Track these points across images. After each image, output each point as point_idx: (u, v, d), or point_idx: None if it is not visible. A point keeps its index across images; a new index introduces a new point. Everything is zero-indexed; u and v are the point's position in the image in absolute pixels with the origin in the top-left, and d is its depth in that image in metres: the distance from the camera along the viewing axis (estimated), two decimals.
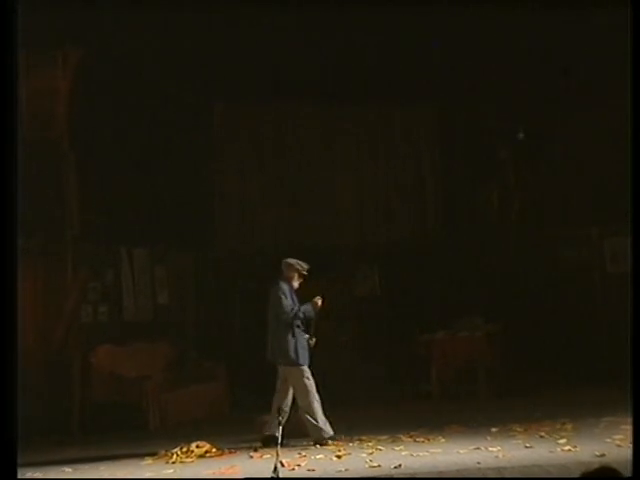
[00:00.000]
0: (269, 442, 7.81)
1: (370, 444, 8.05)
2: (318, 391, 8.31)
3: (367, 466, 7.08)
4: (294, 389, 8.31)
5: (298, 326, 8.37)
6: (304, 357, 8.34)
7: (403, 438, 8.24)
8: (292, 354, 8.29)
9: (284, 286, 8.41)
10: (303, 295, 8.59)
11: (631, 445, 6.00)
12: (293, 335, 8.32)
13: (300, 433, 8.17)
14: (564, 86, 11.93)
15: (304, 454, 7.72)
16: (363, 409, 10.33)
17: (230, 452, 8.11)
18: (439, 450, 7.57)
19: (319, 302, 8.43)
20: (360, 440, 8.25)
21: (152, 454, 8.11)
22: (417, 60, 11.55)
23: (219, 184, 12.83)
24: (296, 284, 8.47)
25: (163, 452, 8.07)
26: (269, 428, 8.01)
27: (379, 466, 7.02)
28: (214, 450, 8.06)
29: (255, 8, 9.90)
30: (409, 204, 13.25)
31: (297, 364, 8.30)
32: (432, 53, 11.42)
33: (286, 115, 12.92)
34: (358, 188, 13.13)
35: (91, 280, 10.57)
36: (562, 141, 12.63)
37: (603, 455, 6.80)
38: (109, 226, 10.96)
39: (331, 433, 8.20)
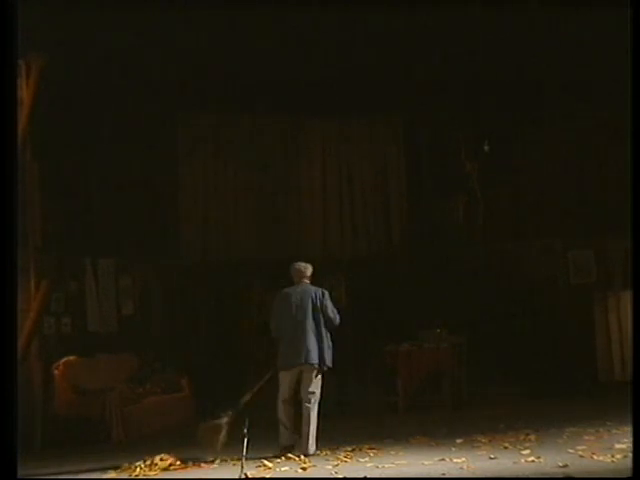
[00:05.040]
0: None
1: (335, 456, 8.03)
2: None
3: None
4: None
5: None
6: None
7: (368, 450, 8.22)
8: None
9: None
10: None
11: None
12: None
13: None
14: (532, 98, 12.04)
15: (269, 466, 7.68)
16: (330, 420, 10.30)
17: (195, 465, 8.04)
18: (404, 462, 7.56)
19: None
20: (330, 450, 8.25)
21: (115, 467, 8.01)
22: (382, 72, 11.59)
23: (184, 194, 12.78)
24: None
25: (126, 465, 7.98)
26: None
27: (344, 478, 7.00)
28: (178, 463, 7.97)
29: (218, 17, 9.89)
30: (375, 217, 13.28)
31: None
32: (397, 65, 11.47)
33: (252, 127, 12.90)
34: (324, 201, 13.14)
35: (54, 291, 10.44)
36: (527, 154, 12.74)
37: (566, 466, 6.83)
38: (72, 236, 10.85)
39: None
